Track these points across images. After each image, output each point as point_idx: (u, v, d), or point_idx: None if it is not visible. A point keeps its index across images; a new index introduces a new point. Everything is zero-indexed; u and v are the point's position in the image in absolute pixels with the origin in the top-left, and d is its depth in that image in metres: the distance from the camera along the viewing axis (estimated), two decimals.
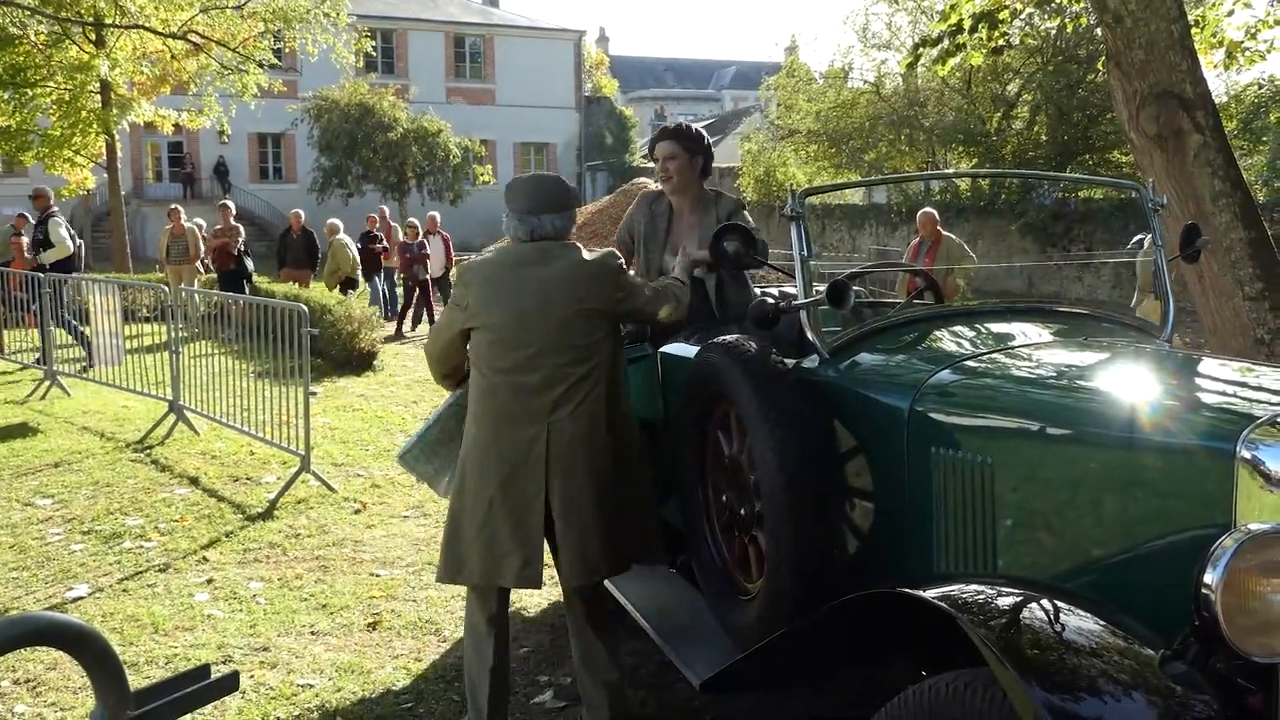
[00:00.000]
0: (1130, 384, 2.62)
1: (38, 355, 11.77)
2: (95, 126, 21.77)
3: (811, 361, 3.29)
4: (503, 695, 3.63)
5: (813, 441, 2.99)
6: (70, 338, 11.85)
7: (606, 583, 3.99)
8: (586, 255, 3.48)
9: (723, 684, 3.21)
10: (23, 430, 9.10)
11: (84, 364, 11.20)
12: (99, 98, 21.85)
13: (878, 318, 3.63)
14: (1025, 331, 3.37)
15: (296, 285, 15.51)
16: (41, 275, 11.58)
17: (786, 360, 3.26)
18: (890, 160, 28.16)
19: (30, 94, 21.26)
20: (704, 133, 4.50)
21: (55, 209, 13.09)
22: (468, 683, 3.63)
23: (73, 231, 13.54)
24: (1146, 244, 12.03)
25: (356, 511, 6.68)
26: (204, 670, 1.46)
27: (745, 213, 4.40)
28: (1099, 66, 20.01)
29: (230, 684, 1.46)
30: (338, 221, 16.76)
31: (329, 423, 9.39)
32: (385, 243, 18.27)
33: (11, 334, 12.66)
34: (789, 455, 2.91)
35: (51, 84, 21.45)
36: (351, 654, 4.52)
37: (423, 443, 3.83)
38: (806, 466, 2.93)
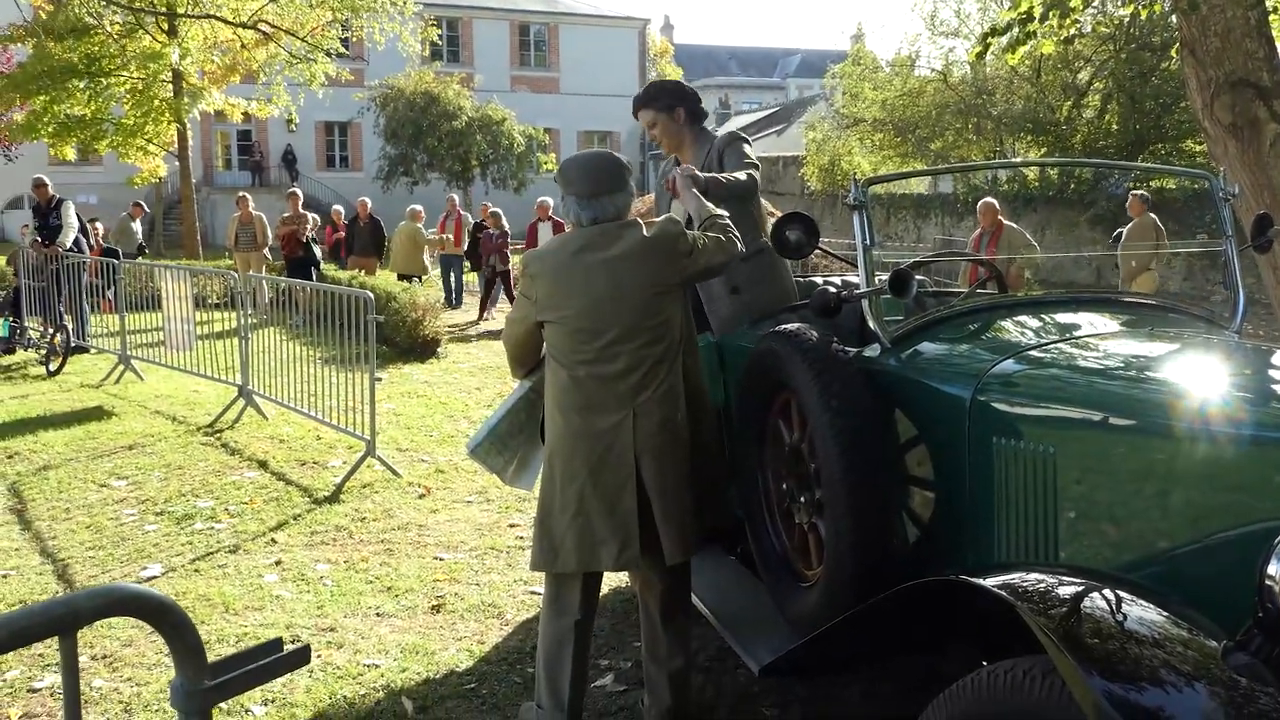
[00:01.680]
0: (1198, 375, 2.59)
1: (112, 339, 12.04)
2: (167, 115, 22.22)
3: (873, 350, 3.29)
4: (583, 682, 3.64)
5: (874, 430, 3.00)
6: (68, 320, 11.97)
7: None
8: (647, 231, 3.45)
9: (782, 669, 3.24)
10: (98, 413, 9.33)
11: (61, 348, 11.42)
12: (171, 87, 22.29)
13: (940, 307, 3.61)
14: (1091, 321, 3.34)
15: (362, 273, 15.72)
16: (116, 261, 11.85)
17: (848, 349, 3.26)
18: (957, 149, 27.82)
19: (105, 83, 21.74)
20: (676, 82, 4.46)
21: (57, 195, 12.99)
22: (545, 669, 3.58)
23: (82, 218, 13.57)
24: (1125, 235, 11.96)
25: (420, 496, 6.78)
26: (276, 644, 1.51)
27: (741, 145, 4.34)
28: (1173, 54, 19.62)
29: (302, 658, 1.51)
30: (418, 207, 17.11)
31: (393, 409, 9.52)
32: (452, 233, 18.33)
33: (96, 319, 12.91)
34: (850, 443, 2.91)
35: (125, 73, 21.92)
36: (416, 635, 4.60)
37: (492, 435, 3.84)
38: (867, 455, 2.93)
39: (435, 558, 5.60)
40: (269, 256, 17.09)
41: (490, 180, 34.28)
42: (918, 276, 3.45)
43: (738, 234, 3.58)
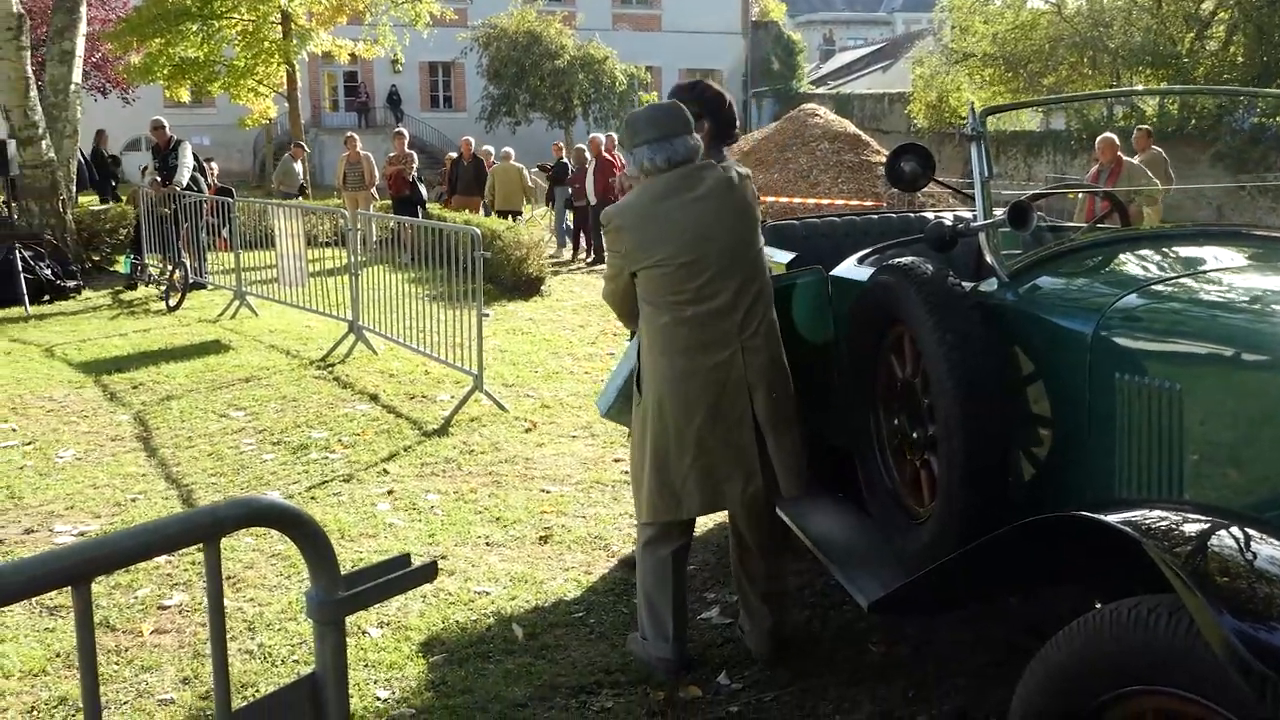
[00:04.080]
0: None
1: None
2: (277, 57, 22.60)
3: (990, 285, 3.22)
4: (684, 611, 3.71)
5: (990, 365, 2.94)
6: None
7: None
8: (724, 172, 3.46)
9: (890, 606, 3.22)
10: (216, 347, 9.62)
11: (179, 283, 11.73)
12: (280, 28, 22.61)
13: (1059, 241, 3.52)
14: (1217, 256, 3.22)
15: (467, 211, 15.88)
16: (230, 200, 12.14)
17: (963, 283, 3.20)
18: (1071, 84, 26.94)
19: (217, 25, 22.15)
20: (720, 92, 3.98)
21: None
22: (648, 608, 3.66)
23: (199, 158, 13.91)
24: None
25: (527, 430, 6.87)
26: (405, 559, 1.55)
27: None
28: None
29: (429, 573, 1.54)
30: (509, 150, 17.17)
31: (499, 345, 9.64)
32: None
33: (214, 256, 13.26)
34: (966, 379, 2.86)
35: (236, 15, 22.28)
36: (524, 565, 4.69)
37: (621, 395, 3.88)
38: (983, 390, 2.88)
39: (542, 490, 5.68)
40: (376, 195, 17.34)
41: (592, 120, 34.22)
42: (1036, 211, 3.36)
43: None
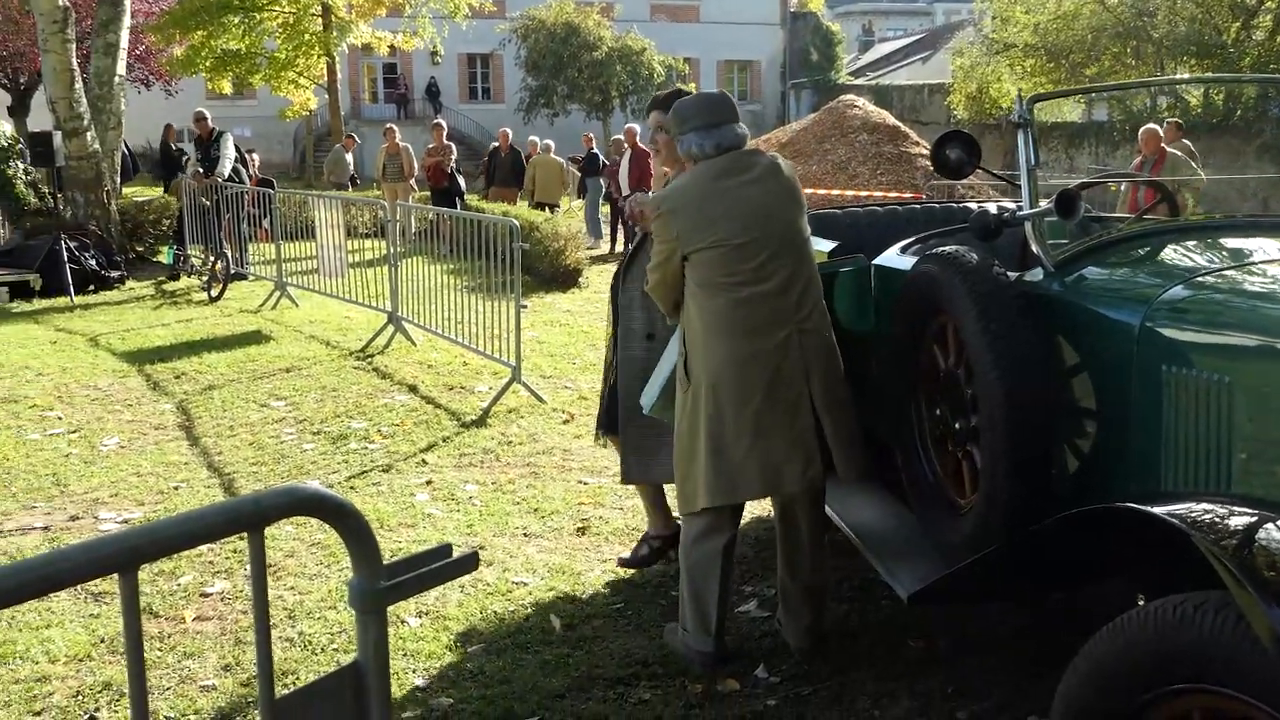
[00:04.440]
0: None
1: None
2: (317, 49, 22.73)
3: (1035, 275, 3.18)
4: (726, 606, 3.69)
5: (1035, 356, 2.91)
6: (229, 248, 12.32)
7: None
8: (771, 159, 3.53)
9: (931, 598, 3.20)
10: (257, 337, 9.71)
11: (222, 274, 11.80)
12: (320, 21, 22.74)
13: (1105, 231, 3.48)
14: (1265, 248, 3.16)
15: (505, 203, 15.92)
16: (271, 191, 12.23)
17: (1008, 273, 3.16)
18: (1113, 74, 26.60)
19: (258, 18, 22.31)
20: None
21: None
22: (694, 601, 3.61)
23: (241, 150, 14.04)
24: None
25: (564, 422, 6.88)
26: (446, 549, 1.55)
27: None
28: None
29: (470, 563, 1.55)
30: (549, 142, 17.24)
31: (536, 336, 9.66)
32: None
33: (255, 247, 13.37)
34: (1010, 369, 2.84)
35: (277, 7, 22.43)
36: (562, 556, 4.70)
37: (665, 392, 3.87)
38: (1028, 381, 2.85)
39: (579, 482, 5.69)
40: (415, 187, 17.42)
41: (629, 111, 34.20)
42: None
43: None
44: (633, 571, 4.52)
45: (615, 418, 4.35)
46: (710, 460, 3.41)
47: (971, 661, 3.67)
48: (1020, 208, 3.27)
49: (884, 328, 3.92)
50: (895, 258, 3.98)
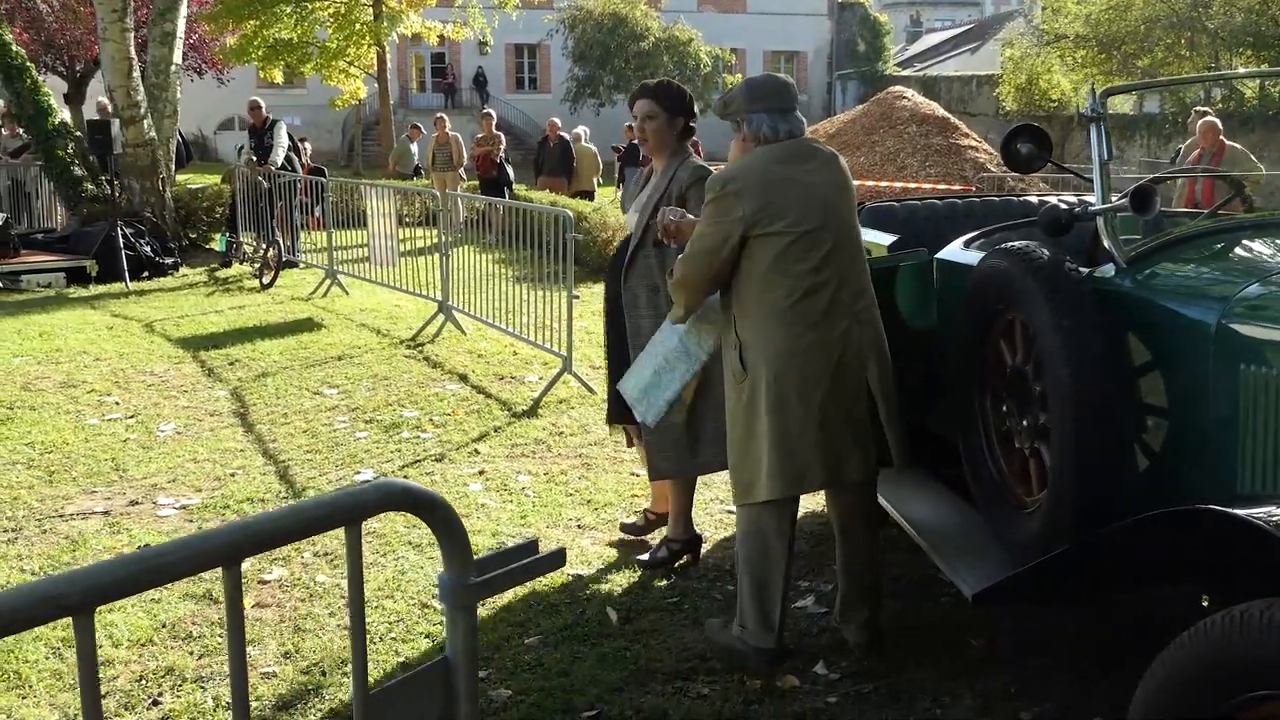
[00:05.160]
0: None
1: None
2: (367, 38, 22.85)
3: (1107, 271, 3.14)
4: (787, 601, 3.65)
5: (1108, 353, 2.87)
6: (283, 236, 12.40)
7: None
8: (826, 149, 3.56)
9: (996, 597, 3.17)
10: (308, 325, 9.79)
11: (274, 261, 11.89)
12: (371, 10, 22.86)
13: (1177, 227, 3.42)
14: None
15: (551, 192, 15.94)
16: (323, 179, 12.31)
17: (1080, 269, 3.12)
18: (1167, 66, 26.19)
19: (310, 7, 22.47)
20: (687, 91, 4.43)
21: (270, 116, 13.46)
22: (756, 596, 3.56)
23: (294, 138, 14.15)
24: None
25: None
26: (533, 545, 1.55)
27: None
28: None
29: (558, 560, 1.54)
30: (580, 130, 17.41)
31: (586, 326, 9.65)
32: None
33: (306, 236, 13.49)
34: (1083, 367, 2.80)
35: None
36: (616, 548, 4.69)
37: (673, 403, 3.87)
38: (1100, 379, 2.82)
39: (631, 474, 5.68)
40: (464, 176, 17.48)
41: None
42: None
43: None
44: (686, 565, 4.51)
45: (622, 406, 4.45)
46: (774, 451, 3.39)
47: (1033, 662, 3.63)
48: (1081, 202, 3.22)
49: (947, 322, 3.88)
50: (959, 252, 3.94)
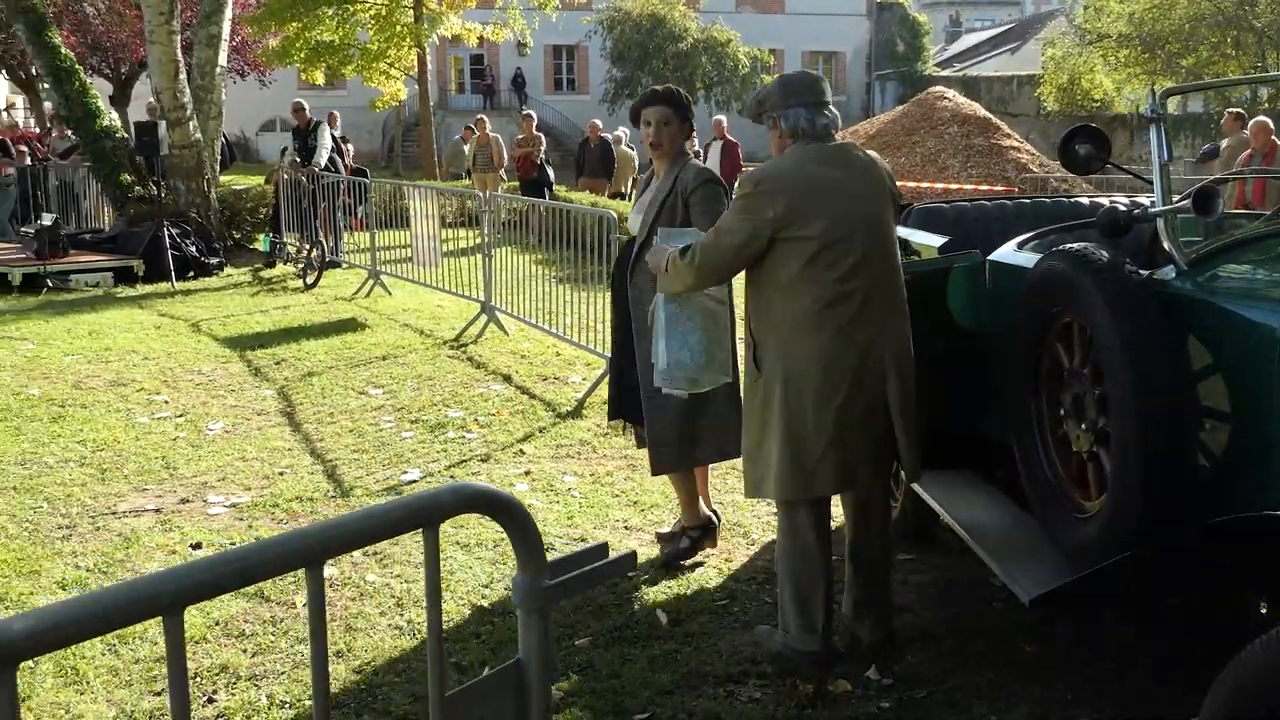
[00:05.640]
0: None
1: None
2: (408, 40, 22.99)
3: (1167, 273, 3.09)
4: (831, 602, 3.59)
5: (1170, 358, 2.83)
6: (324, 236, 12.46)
7: (923, 493, 4.01)
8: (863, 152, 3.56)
9: (1053, 602, 3.13)
10: (352, 325, 9.85)
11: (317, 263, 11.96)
12: (411, 12, 23.00)
13: (1240, 229, 3.37)
14: None
15: (591, 193, 15.97)
16: (366, 180, 12.39)
17: (1139, 271, 3.08)
18: (1212, 66, 25.91)
19: (351, 10, 22.63)
20: (689, 99, 4.58)
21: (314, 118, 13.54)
22: (796, 598, 3.51)
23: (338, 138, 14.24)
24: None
25: None
26: (603, 549, 1.55)
27: (715, 192, 4.32)
28: None
29: (629, 563, 1.54)
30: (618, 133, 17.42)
31: None
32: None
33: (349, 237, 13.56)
34: (1143, 371, 2.76)
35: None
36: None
37: (710, 364, 3.87)
38: (1163, 384, 2.78)
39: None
40: (505, 177, 17.54)
41: (714, 103, 34.11)
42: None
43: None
44: (736, 566, 4.50)
45: (622, 403, 4.60)
46: (784, 453, 3.39)
47: (1088, 668, 3.59)
48: (1135, 204, 3.18)
49: (1000, 324, 3.84)
50: (1013, 254, 3.90)
